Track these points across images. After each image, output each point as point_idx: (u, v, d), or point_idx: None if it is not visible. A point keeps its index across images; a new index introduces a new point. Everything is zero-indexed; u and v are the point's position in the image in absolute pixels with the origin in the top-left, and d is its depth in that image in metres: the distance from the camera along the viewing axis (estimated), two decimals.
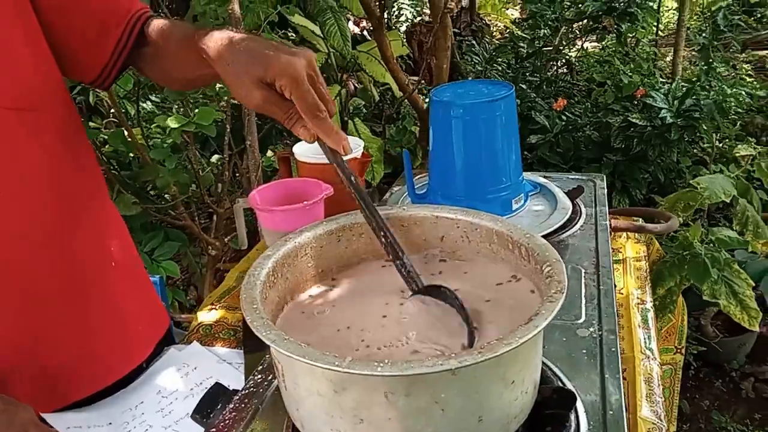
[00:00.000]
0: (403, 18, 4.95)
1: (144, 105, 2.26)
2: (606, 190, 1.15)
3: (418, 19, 4.88)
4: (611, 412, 0.64)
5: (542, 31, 3.51)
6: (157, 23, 0.82)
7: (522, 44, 3.45)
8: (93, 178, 0.90)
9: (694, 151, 2.58)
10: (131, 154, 2.04)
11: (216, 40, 0.68)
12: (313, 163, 1.33)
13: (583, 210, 1.07)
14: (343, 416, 0.52)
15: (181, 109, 1.99)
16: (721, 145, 2.66)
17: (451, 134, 1.00)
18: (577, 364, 0.71)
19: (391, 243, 0.66)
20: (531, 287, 0.65)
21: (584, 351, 0.73)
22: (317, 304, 0.68)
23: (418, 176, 1.22)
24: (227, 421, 0.67)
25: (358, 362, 0.48)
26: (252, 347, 0.98)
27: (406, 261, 0.65)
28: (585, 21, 3.13)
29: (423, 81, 3.12)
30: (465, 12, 4.47)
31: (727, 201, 1.57)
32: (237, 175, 2.38)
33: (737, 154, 2.06)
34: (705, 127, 2.50)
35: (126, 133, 1.92)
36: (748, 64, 3.33)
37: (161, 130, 1.96)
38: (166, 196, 2.10)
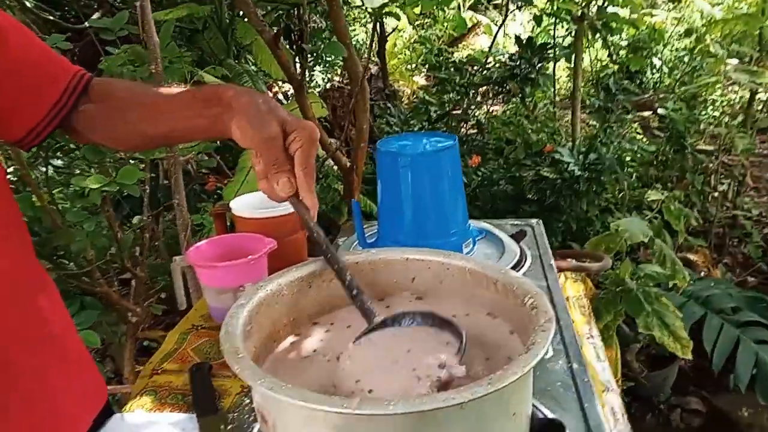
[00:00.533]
0: (313, 83, 5.07)
1: (41, 169, 2.13)
2: (544, 233, 1.20)
3: (329, 84, 5.02)
4: None
5: (450, 95, 3.72)
6: (114, 80, 0.80)
7: (433, 107, 3.62)
8: (24, 243, 0.83)
9: (600, 201, 2.78)
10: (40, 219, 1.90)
11: (241, 89, 0.71)
12: (253, 218, 1.30)
13: (528, 252, 1.11)
14: None
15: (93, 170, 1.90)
16: (621, 195, 2.89)
17: (399, 183, 1.02)
18: (555, 397, 0.72)
19: (350, 282, 0.66)
20: (509, 327, 0.66)
21: (559, 384, 0.74)
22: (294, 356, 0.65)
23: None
24: None
25: (368, 403, 0.46)
26: (205, 410, 0.92)
27: (364, 299, 0.66)
28: (491, 86, 3.35)
29: (342, 142, 3.18)
30: (376, 78, 4.65)
31: (645, 241, 1.70)
32: (154, 240, 2.27)
33: (648, 199, 2.23)
34: (606, 179, 2.71)
35: (34, 197, 1.80)
36: (635, 124, 3.68)
37: (73, 193, 1.85)
38: (80, 262, 1.96)
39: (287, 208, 1.32)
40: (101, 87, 0.81)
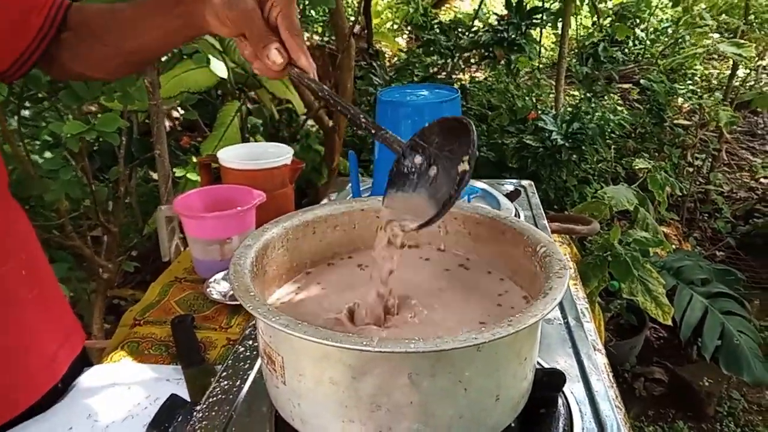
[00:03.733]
0: None
1: (11, 121, 2.04)
2: (536, 194, 1.20)
3: (309, 43, 4.90)
4: (596, 391, 0.65)
5: (434, 58, 3.67)
6: (87, 5, 0.78)
7: (417, 69, 3.58)
8: None
9: (580, 171, 2.80)
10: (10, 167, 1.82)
11: None
12: (242, 169, 1.27)
13: (521, 213, 1.11)
14: (359, 405, 0.49)
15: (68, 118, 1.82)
16: (599, 165, 2.92)
17: (399, 134, 0.99)
18: (551, 351, 0.72)
19: (369, 122, 0.62)
20: (512, 280, 0.65)
21: (556, 338, 0.75)
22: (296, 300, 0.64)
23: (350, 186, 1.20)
24: (198, 431, 0.60)
25: (388, 341, 0.45)
26: (190, 361, 0.90)
27: (384, 133, 0.61)
28: (477, 50, 3.31)
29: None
30: (358, 37, 4.54)
31: (630, 209, 1.72)
32: (127, 196, 2.21)
33: (636, 167, 2.26)
34: (587, 150, 2.72)
35: (6, 145, 1.72)
36: (616, 95, 3.70)
37: (44, 143, 1.78)
38: (51, 217, 1.90)
39: (276, 160, 1.30)
40: (77, 13, 0.79)
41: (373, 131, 0.60)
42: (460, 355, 0.47)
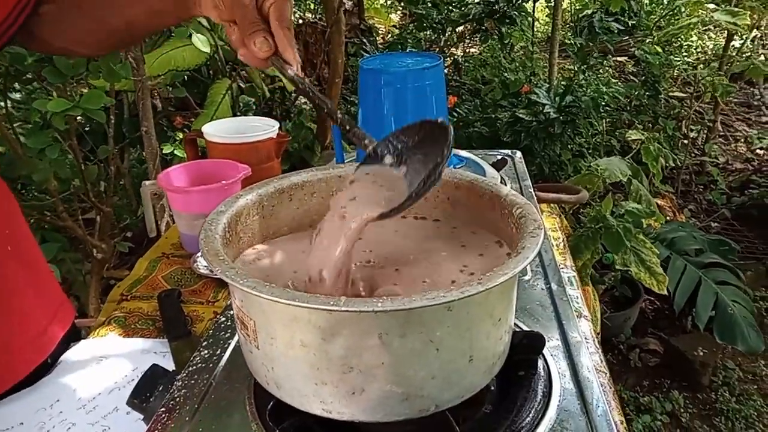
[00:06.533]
0: None
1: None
2: (524, 163, 1.19)
3: (301, 21, 4.85)
4: (576, 354, 0.65)
5: (427, 33, 3.63)
6: None
7: (409, 45, 3.54)
8: None
9: (574, 145, 2.78)
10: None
11: None
12: (227, 143, 1.26)
13: (507, 182, 1.10)
14: (330, 367, 0.48)
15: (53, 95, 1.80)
16: (594, 138, 2.90)
17: (381, 102, 0.99)
18: (534, 315, 0.72)
19: (344, 118, 0.63)
20: (494, 238, 0.65)
21: (538, 303, 0.75)
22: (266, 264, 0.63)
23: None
24: (177, 399, 0.60)
25: (355, 300, 0.44)
26: (176, 334, 0.91)
27: (357, 130, 0.62)
28: (468, 24, 3.27)
29: (316, 79, 3.10)
30: (350, 14, 4.49)
31: (624, 180, 1.71)
32: (119, 177, 2.20)
33: (629, 138, 2.24)
34: (581, 123, 2.71)
35: None
36: (611, 68, 3.66)
37: (34, 124, 1.76)
38: (43, 198, 1.89)
39: (262, 133, 1.29)
40: None
41: (347, 127, 0.61)
42: (429, 313, 0.47)
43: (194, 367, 0.65)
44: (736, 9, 2.35)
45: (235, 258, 0.61)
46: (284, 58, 0.63)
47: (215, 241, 0.54)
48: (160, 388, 0.65)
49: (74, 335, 0.94)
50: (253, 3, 0.62)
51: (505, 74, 2.82)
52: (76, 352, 0.86)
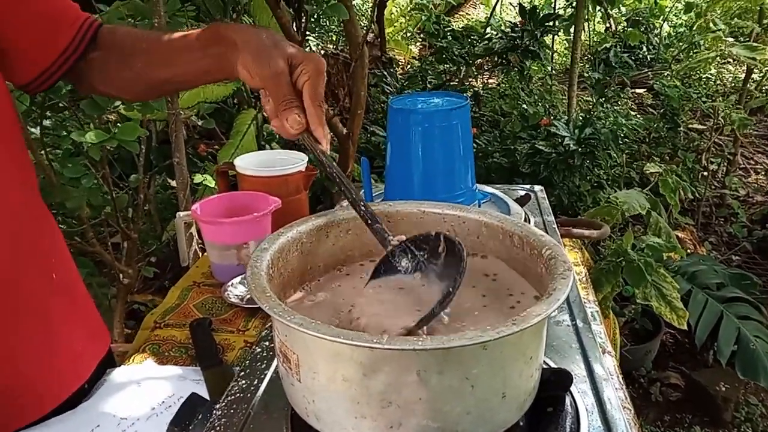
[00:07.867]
0: (307, 50, 5.00)
1: (33, 130, 2.10)
2: (546, 199, 1.21)
3: (323, 51, 4.96)
4: (602, 390, 0.67)
5: (447, 65, 3.69)
6: (119, 27, 0.80)
7: (430, 77, 3.60)
8: (29, 182, 0.82)
9: (593, 177, 2.80)
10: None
11: (243, 26, 0.71)
12: (258, 176, 1.30)
13: (531, 218, 1.13)
14: (370, 401, 0.51)
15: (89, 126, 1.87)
16: (613, 170, 2.92)
17: (409, 141, 1.02)
18: (559, 351, 0.74)
19: (367, 212, 0.67)
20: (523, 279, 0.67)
21: (564, 339, 0.76)
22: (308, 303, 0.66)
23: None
24: (218, 428, 0.63)
25: (397, 339, 0.47)
26: (209, 363, 0.93)
27: (379, 227, 0.66)
28: (491, 57, 3.33)
29: (338, 109, 3.16)
30: (371, 46, 4.59)
31: (643, 213, 1.72)
32: (146, 203, 2.25)
33: (647, 172, 2.26)
34: (600, 155, 2.73)
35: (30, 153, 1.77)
36: (629, 101, 3.69)
37: (66, 150, 1.83)
38: (72, 224, 1.94)
39: (291, 167, 1.33)
40: (107, 35, 0.81)
41: (368, 222, 0.65)
42: (466, 353, 0.49)
43: (233, 397, 0.68)
44: (755, 44, 2.38)
45: (276, 292, 0.64)
46: (314, 136, 0.66)
47: (261, 277, 0.57)
48: (200, 417, 0.67)
49: (110, 360, 0.97)
50: (288, 78, 0.65)
51: (524, 106, 2.86)
52: (113, 378, 0.89)
